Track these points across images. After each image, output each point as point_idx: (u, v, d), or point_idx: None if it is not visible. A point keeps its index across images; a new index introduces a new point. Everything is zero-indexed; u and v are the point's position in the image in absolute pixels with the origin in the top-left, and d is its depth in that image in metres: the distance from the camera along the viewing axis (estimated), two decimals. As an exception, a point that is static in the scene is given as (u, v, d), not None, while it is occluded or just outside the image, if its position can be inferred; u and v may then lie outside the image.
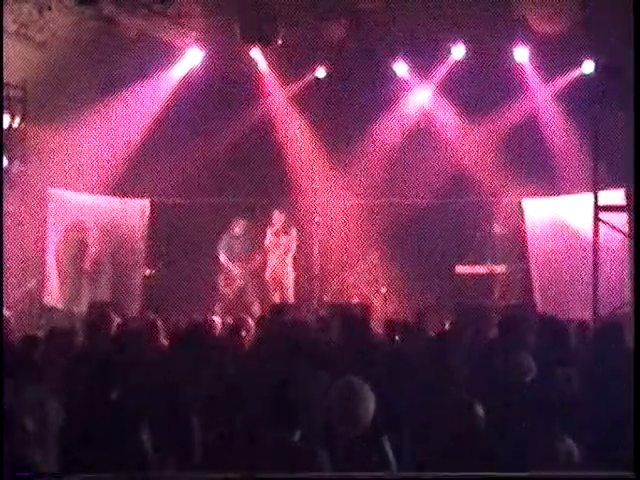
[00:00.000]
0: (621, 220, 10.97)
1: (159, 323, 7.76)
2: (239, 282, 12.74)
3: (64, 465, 3.75)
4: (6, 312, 10.21)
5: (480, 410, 4.51)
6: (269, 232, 13.01)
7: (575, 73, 12.53)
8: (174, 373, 5.57)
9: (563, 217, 12.45)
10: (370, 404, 4.23)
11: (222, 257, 12.82)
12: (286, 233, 12.98)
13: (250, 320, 8.54)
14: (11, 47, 10.66)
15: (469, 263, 12.79)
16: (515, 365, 5.53)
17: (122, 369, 4.82)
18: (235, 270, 12.71)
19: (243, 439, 4.69)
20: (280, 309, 9.29)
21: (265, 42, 11.71)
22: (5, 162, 11.20)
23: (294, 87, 13.51)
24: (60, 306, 12.01)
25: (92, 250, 12.61)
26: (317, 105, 13.34)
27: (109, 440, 4.30)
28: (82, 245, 12.53)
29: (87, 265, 12.52)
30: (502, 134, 12.92)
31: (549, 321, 7.69)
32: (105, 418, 4.44)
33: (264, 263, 13.02)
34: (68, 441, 3.88)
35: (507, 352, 5.84)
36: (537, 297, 12.29)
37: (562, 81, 12.68)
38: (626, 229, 10.85)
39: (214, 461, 4.98)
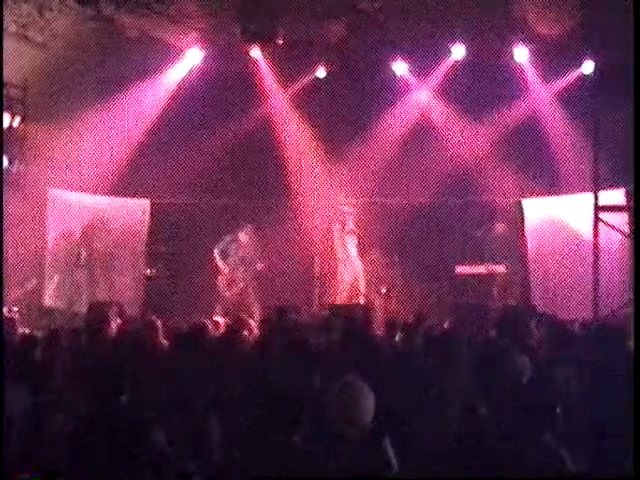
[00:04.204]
0: (621, 220, 10.97)
1: (159, 323, 7.76)
2: (240, 284, 12.72)
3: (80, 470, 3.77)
4: (7, 312, 10.25)
5: (483, 411, 4.51)
6: (335, 230, 12.90)
7: (575, 73, 12.52)
8: (177, 374, 5.57)
9: (563, 217, 12.45)
10: (370, 404, 4.23)
11: (216, 255, 12.77)
12: (353, 232, 12.90)
13: (251, 321, 8.54)
14: (11, 47, 10.67)
15: (469, 263, 12.80)
16: (510, 367, 5.50)
17: (131, 372, 4.81)
18: (225, 268, 12.66)
19: (244, 440, 4.69)
20: (283, 310, 9.29)
21: (265, 42, 11.73)
22: (5, 162, 11.21)
23: (294, 87, 13.50)
24: (60, 306, 12.02)
25: (92, 250, 12.62)
26: (317, 105, 13.33)
27: (124, 443, 4.29)
28: (82, 245, 12.53)
29: (87, 265, 12.52)
30: (502, 134, 12.91)
31: (549, 321, 7.70)
32: (118, 422, 4.42)
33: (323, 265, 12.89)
34: (82, 447, 3.90)
35: (502, 354, 5.81)
36: (536, 297, 12.30)
37: (562, 81, 12.68)
38: (626, 229, 10.86)
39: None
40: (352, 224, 12.93)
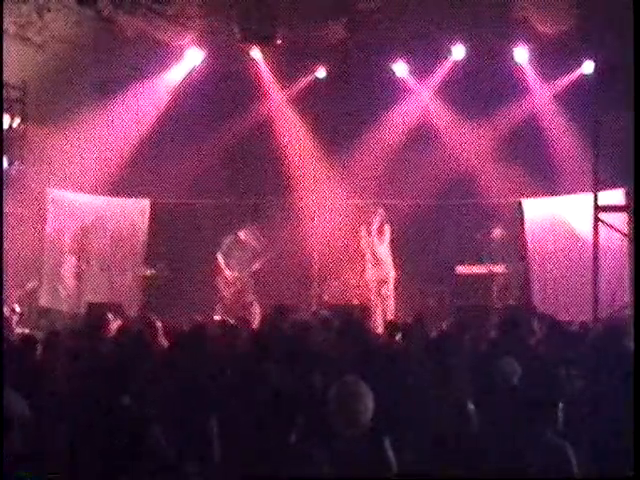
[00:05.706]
0: (621, 220, 10.97)
1: (159, 324, 7.76)
2: (239, 284, 12.72)
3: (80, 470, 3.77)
4: (9, 312, 10.25)
5: (472, 410, 4.50)
6: (364, 231, 12.80)
7: (575, 73, 12.53)
8: (177, 374, 5.56)
9: (563, 217, 12.44)
10: (369, 404, 4.22)
11: (220, 260, 12.76)
12: (381, 232, 12.85)
13: (251, 321, 8.54)
14: (11, 48, 10.67)
15: (469, 263, 12.79)
16: (499, 371, 5.47)
17: (131, 374, 4.80)
18: (228, 273, 12.66)
19: (244, 440, 4.69)
20: (282, 310, 9.29)
21: (265, 42, 11.72)
22: (5, 163, 11.21)
23: (294, 87, 13.51)
24: (59, 307, 12.01)
25: (91, 251, 12.61)
26: (317, 105, 13.32)
27: (124, 443, 4.29)
28: (81, 245, 12.52)
29: (86, 266, 12.51)
30: (502, 134, 12.91)
31: (549, 321, 7.69)
32: (118, 422, 4.41)
33: (363, 264, 12.72)
34: (82, 447, 3.89)
35: (492, 359, 5.77)
36: (536, 297, 12.28)
37: (562, 81, 12.69)
38: (626, 229, 10.85)
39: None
40: (378, 224, 12.74)
